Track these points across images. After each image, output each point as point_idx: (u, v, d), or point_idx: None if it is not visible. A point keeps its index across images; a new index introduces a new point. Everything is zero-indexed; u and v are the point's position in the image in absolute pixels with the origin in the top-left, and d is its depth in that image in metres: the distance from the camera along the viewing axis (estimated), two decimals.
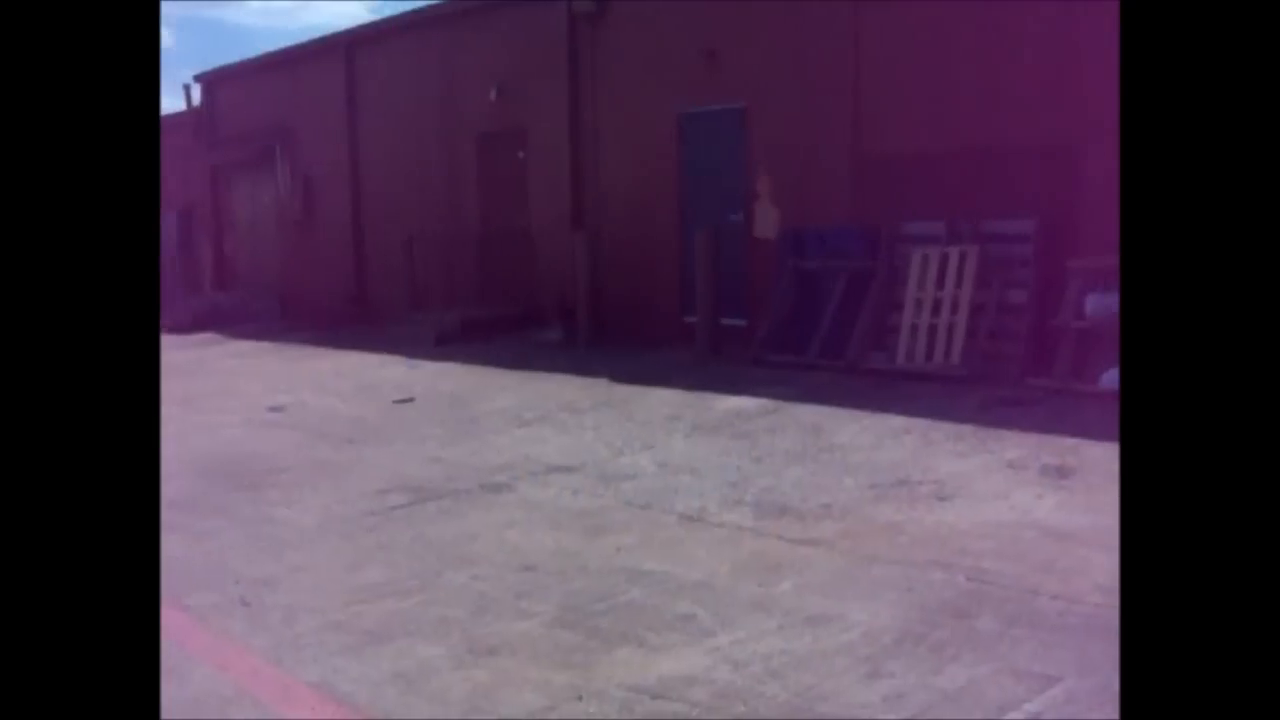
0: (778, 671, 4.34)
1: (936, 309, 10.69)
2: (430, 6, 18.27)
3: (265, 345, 17.52)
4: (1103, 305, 9.35)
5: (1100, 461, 7.11)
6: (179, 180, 24.79)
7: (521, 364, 13.02)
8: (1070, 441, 7.65)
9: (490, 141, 17.16)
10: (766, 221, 13.01)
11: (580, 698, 4.18)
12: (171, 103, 41.63)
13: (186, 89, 25.72)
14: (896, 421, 8.69)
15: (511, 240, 16.83)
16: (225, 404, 11.76)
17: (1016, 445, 7.66)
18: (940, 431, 8.26)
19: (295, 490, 7.69)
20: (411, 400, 10.14)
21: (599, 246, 14.88)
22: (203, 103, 25.14)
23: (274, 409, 11.06)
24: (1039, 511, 6.25)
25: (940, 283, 10.75)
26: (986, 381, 9.90)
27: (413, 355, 14.08)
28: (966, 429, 8.24)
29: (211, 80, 24.82)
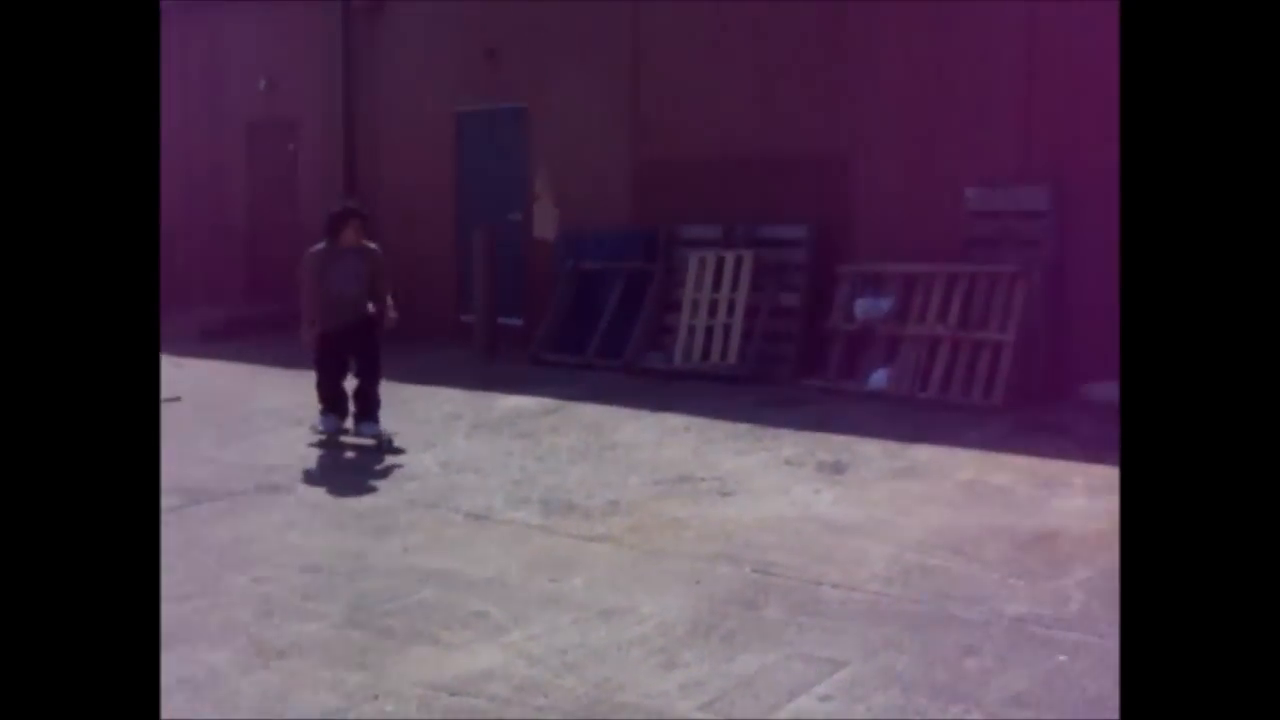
0: (574, 665, 4.35)
1: (713, 311, 10.93)
2: None
3: None
4: (871, 308, 9.75)
5: (872, 458, 7.43)
6: None
7: (293, 363, 12.61)
8: (842, 439, 7.96)
9: (259, 133, 16.58)
10: (546, 222, 13.04)
11: (376, 697, 4.10)
12: None
13: None
14: (676, 420, 8.85)
15: (281, 235, 16.31)
16: None
17: (793, 443, 7.92)
18: (719, 430, 8.46)
19: None
20: (179, 399, 9.70)
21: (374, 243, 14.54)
22: None
23: None
24: (818, 506, 6.47)
25: (717, 285, 11.00)
26: (762, 382, 10.18)
27: (178, 353, 13.47)
28: (744, 427, 8.46)
29: None
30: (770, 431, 8.27)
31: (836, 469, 7.22)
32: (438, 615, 4.90)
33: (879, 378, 9.42)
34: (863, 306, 9.83)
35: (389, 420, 8.36)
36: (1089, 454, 7.40)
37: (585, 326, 11.85)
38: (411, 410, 9.32)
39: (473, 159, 13.95)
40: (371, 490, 7.09)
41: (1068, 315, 9.24)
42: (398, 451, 7.96)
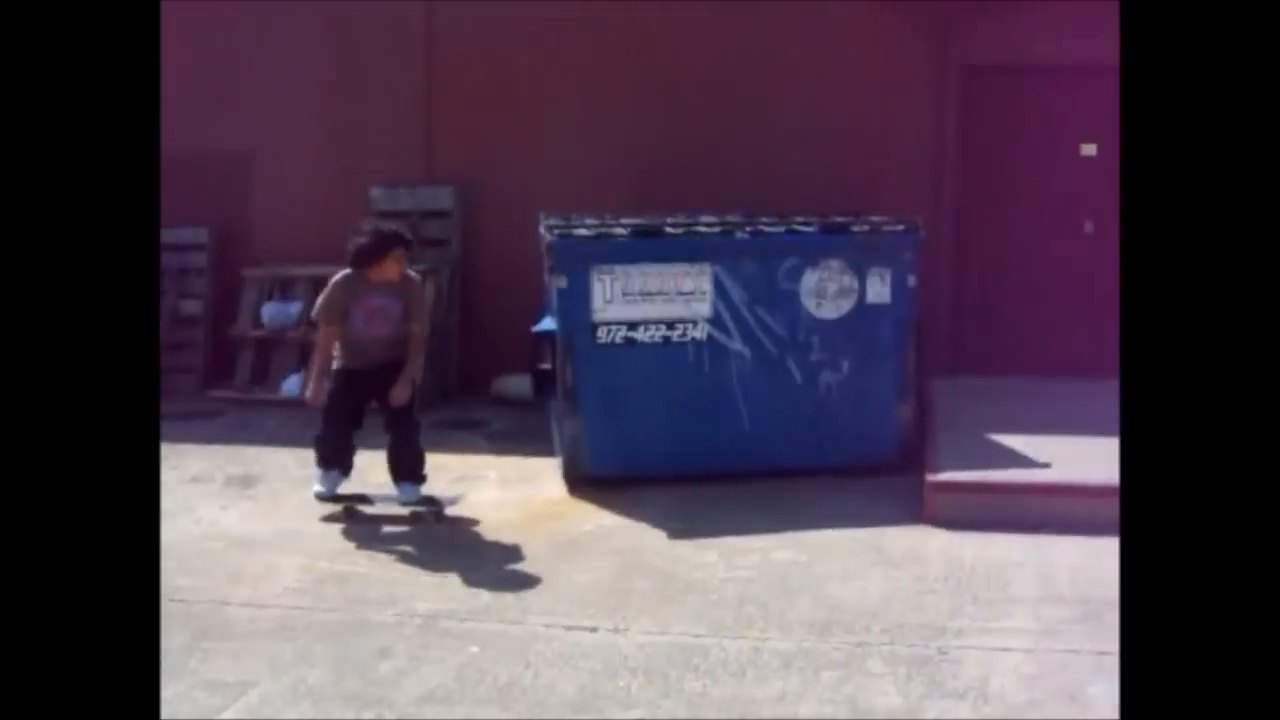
0: None
1: None
2: None
3: None
4: (279, 313, 9.44)
5: (285, 467, 7.17)
6: None
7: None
8: (254, 451, 7.62)
9: None
10: None
11: None
12: None
13: None
14: None
15: None
16: None
17: (201, 458, 7.46)
18: None
19: None
20: None
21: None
22: None
23: None
24: (225, 522, 6.14)
25: None
26: (166, 395, 9.52)
27: None
28: None
29: None
30: (176, 448, 7.71)
31: (246, 482, 6.90)
32: None
33: (292, 384, 9.14)
34: (270, 311, 9.49)
35: None
36: (499, 448, 7.64)
37: None
38: None
39: None
40: None
41: (476, 312, 9.48)
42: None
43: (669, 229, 6.74)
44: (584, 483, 6.63)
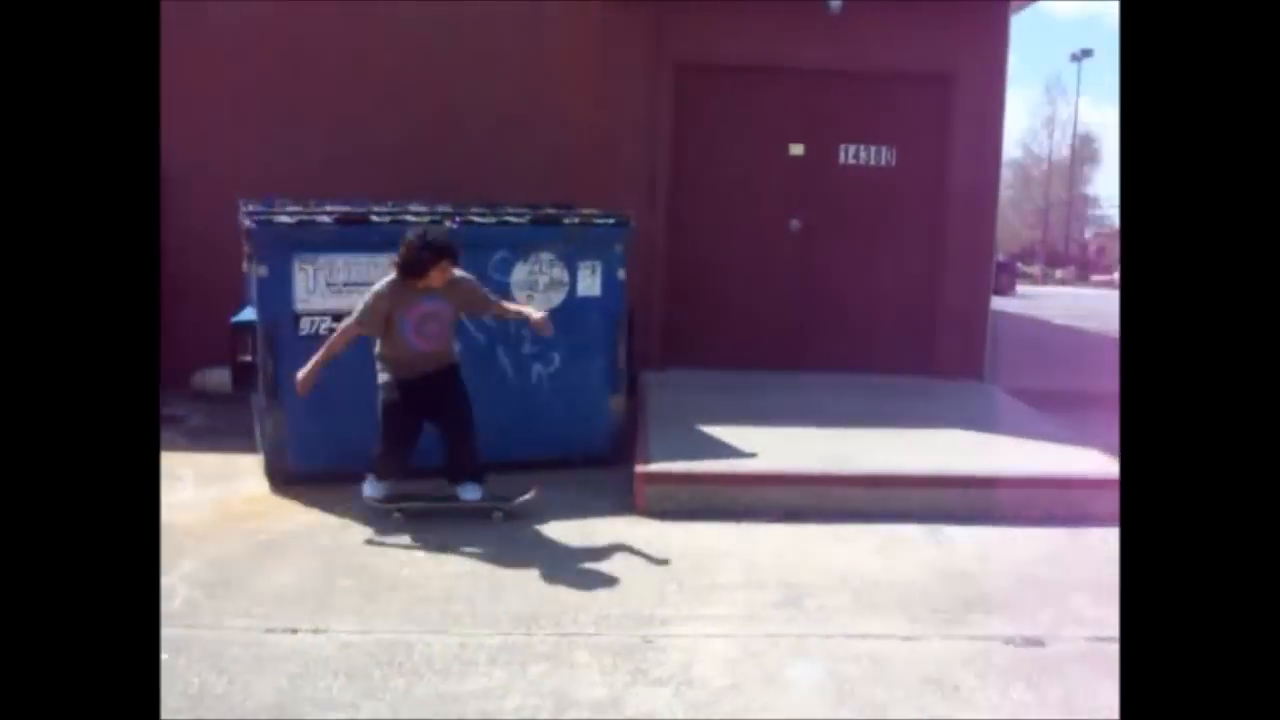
0: None
1: None
2: None
3: None
4: None
5: None
6: None
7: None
8: None
9: None
10: None
11: None
12: None
13: None
14: None
15: None
16: None
17: None
18: None
19: None
20: None
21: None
22: None
23: None
24: None
25: None
26: None
27: None
28: None
29: None
30: None
31: None
32: None
33: None
34: None
35: None
36: (198, 444, 7.30)
37: None
38: None
39: None
40: None
41: (177, 300, 8.98)
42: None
43: (374, 218, 6.54)
44: (287, 480, 6.37)
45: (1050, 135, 65.25)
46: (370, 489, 6.00)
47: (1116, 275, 48.13)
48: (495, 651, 4.33)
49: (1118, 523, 5.79)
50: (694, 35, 9.18)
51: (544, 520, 5.86)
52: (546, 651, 4.34)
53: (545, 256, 6.72)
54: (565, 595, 4.90)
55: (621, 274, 6.87)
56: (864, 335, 9.62)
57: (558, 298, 6.75)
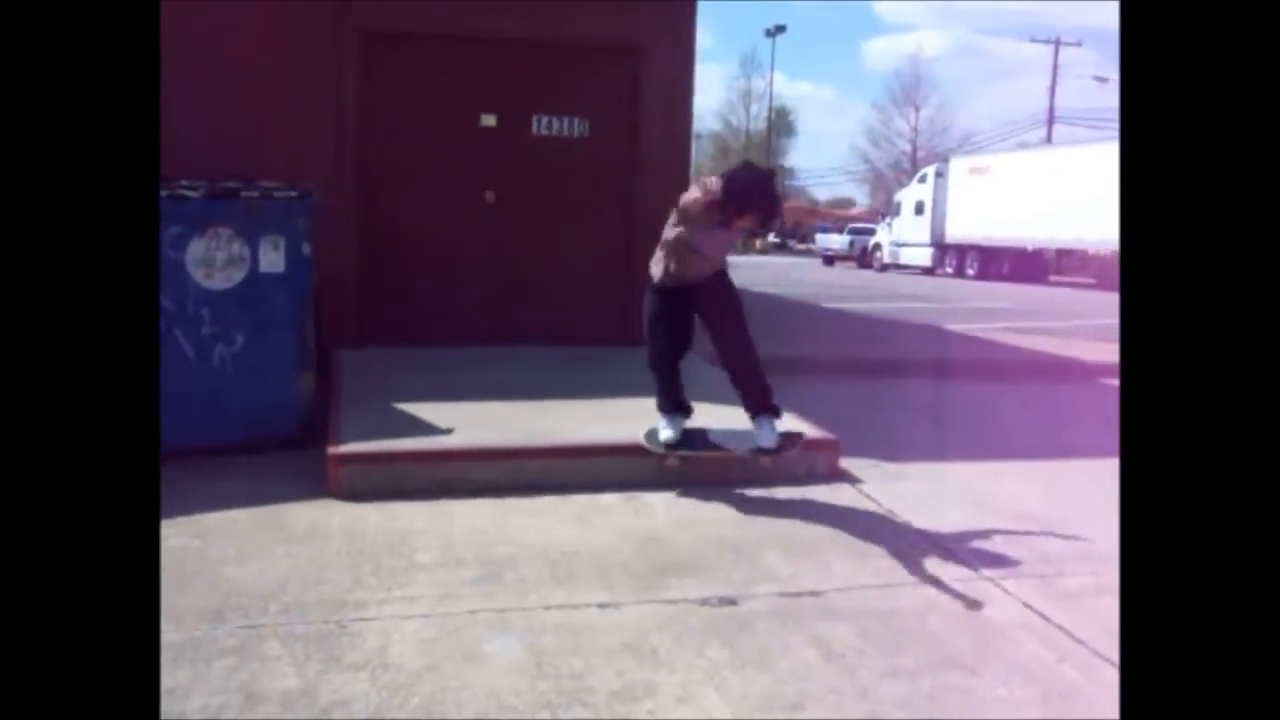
0: None
1: None
2: None
3: None
4: None
5: None
6: None
7: None
8: None
9: None
10: None
11: None
12: None
13: None
14: None
15: None
16: None
17: None
18: None
19: None
20: None
21: None
22: None
23: None
24: None
25: None
26: None
27: None
28: None
29: None
30: None
31: None
32: None
33: None
34: None
35: None
36: None
37: None
38: None
39: None
40: None
41: None
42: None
43: None
44: None
45: (747, 109, 67.68)
46: (665, 430, 6.19)
47: (815, 244, 50.34)
48: (179, 649, 4.07)
49: (812, 480, 6.24)
50: (382, 2, 8.94)
51: (231, 507, 5.58)
52: (234, 645, 4.12)
53: (224, 232, 6.38)
54: (254, 584, 4.68)
55: (307, 249, 6.60)
56: (563, 307, 9.67)
57: (238, 274, 6.43)
